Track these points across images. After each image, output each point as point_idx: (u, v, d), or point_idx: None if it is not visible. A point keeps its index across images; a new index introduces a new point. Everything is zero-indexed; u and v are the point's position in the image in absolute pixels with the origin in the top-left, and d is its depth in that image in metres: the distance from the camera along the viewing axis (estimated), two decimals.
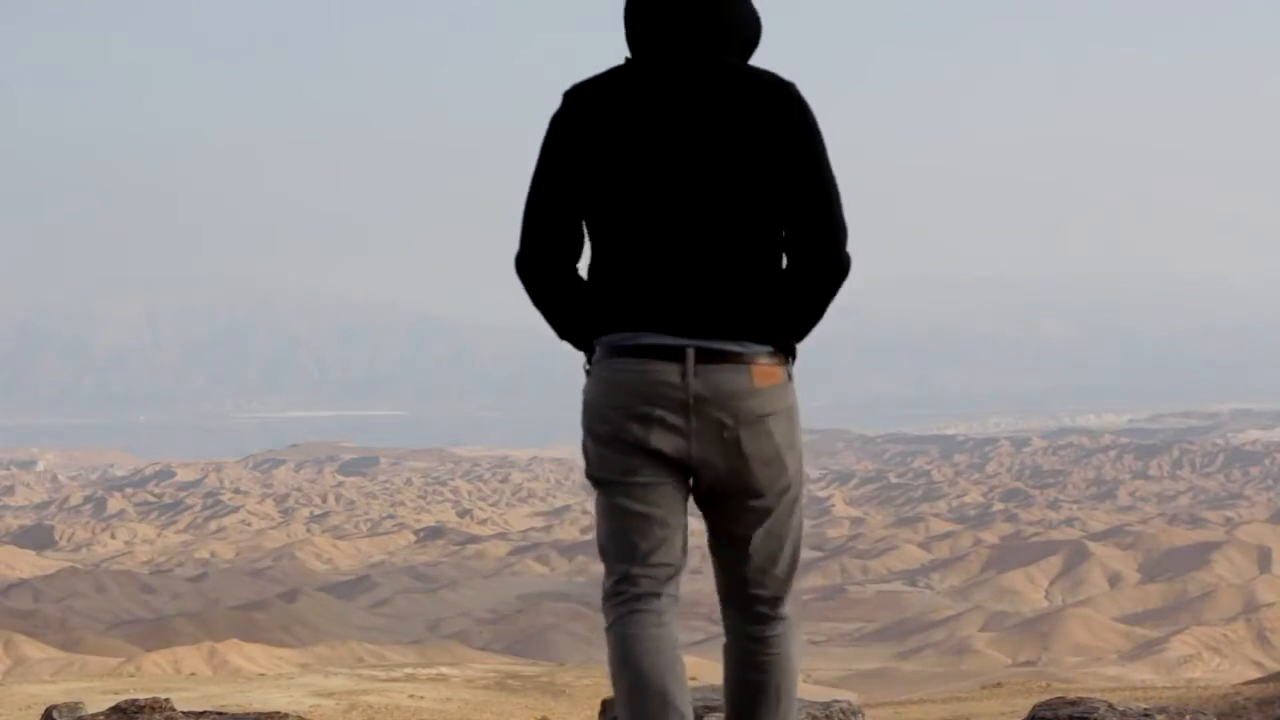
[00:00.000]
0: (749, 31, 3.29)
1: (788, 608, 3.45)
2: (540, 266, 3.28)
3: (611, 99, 3.22)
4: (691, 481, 3.29)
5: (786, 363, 3.31)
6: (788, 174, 3.18)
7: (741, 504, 3.29)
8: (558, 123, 3.25)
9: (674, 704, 3.21)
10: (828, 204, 3.21)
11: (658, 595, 3.27)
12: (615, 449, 3.23)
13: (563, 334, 3.39)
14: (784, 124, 3.19)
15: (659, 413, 3.18)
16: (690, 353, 3.17)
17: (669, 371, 3.17)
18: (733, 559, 3.36)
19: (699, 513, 3.42)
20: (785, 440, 3.28)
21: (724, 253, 3.18)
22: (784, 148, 3.19)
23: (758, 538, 3.34)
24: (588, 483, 3.34)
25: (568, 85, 3.27)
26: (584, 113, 3.22)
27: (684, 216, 3.17)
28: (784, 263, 3.27)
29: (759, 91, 3.21)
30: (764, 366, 3.24)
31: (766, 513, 3.31)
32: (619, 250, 3.22)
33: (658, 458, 3.21)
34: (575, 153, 3.22)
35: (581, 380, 3.37)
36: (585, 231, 3.29)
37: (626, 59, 3.30)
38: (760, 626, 3.41)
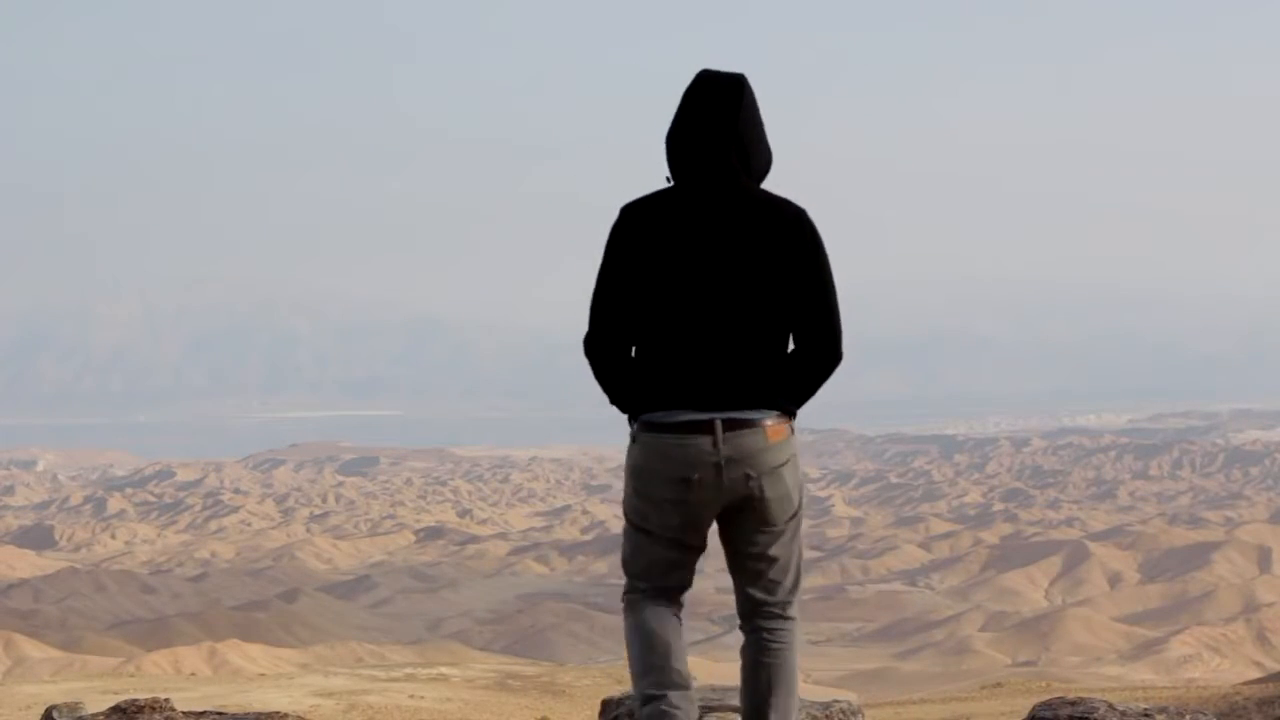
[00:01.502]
0: (765, 164, 4.29)
1: (794, 610, 4.41)
2: (604, 349, 4.26)
3: (658, 217, 4.20)
4: (716, 522, 4.31)
5: (789, 422, 4.31)
6: (798, 286, 4.19)
7: (760, 532, 4.30)
8: (616, 233, 4.24)
9: (677, 656, 4.28)
10: (829, 313, 4.24)
11: (673, 600, 4.34)
12: (659, 507, 4.24)
13: (616, 403, 4.34)
14: (797, 246, 4.18)
15: (697, 475, 4.18)
16: (719, 423, 4.17)
17: (704, 441, 4.17)
18: (752, 576, 4.34)
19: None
20: (793, 481, 4.31)
21: (743, 345, 4.18)
22: (796, 265, 4.18)
23: (771, 557, 4.32)
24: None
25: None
26: (636, 227, 4.20)
27: (713, 316, 4.16)
28: (788, 347, 4.29)
29: (778, 218, 4.19)
30: (773, 426, 4.24)
31: (778, 536, 4.31)
32: (662, 340, 4.19)
33: (695, 510, 4.22)
34: (629, 259, 4.20)
35: (626, 437, 4.36)
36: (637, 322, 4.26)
37: (667, 178, 4.29)
38: (773, 623, 4.37)
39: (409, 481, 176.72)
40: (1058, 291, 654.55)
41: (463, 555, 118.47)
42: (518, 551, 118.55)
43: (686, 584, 4.34)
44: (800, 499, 4.36)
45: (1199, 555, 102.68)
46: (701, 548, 4.32)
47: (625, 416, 4.35)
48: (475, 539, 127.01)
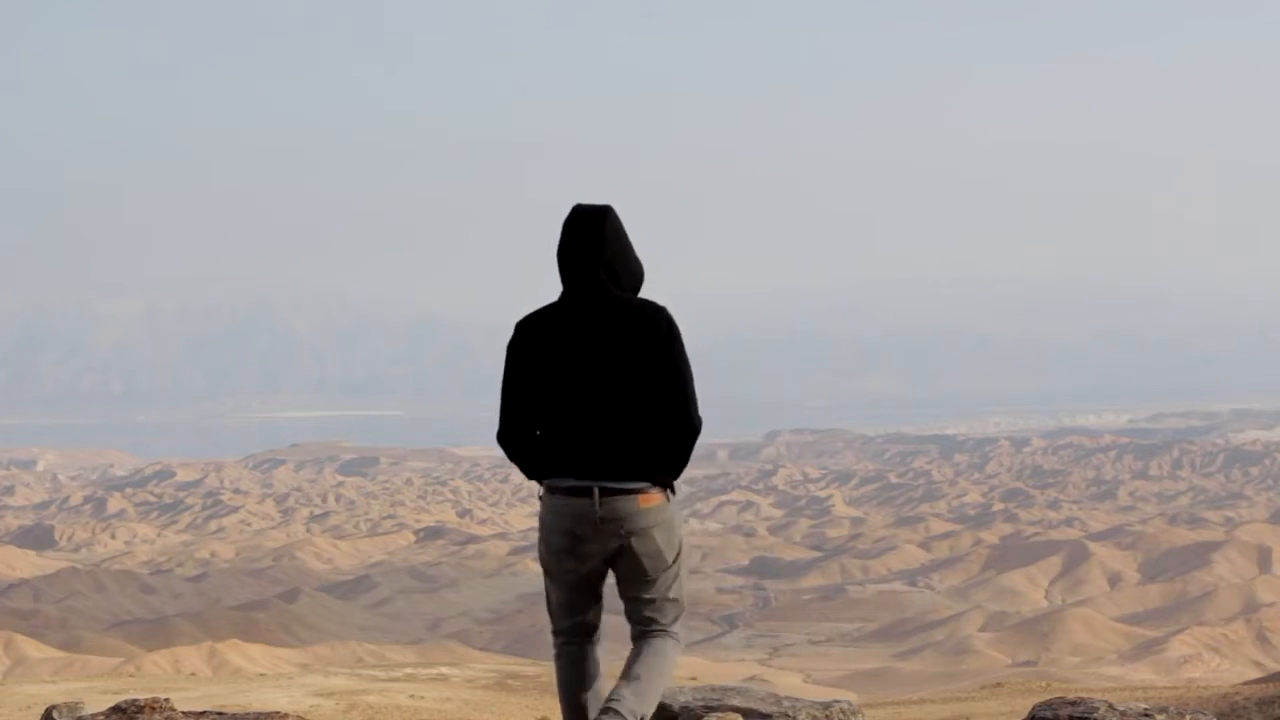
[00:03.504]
0: (634, 276, 5.39)
1: (675, 629, 5.47)
2: (511, 438, 5.42)
3: (544, 327, 5.32)
4: (607, 568, 5.40)
5: (665, 490, 5.31)
6: (657, 372, 5.23)
7: (637, 581, 5.38)
8: (513, 344, 5.37)
9: (584, 712, 5.43)
10: (682, 390, 5.24)
11: (587, 639, 5.49)
12: (556, 554, 5.38)
13: (527, 474, 5.47)
14: (654, 339, 5.23)
15: (580, 530, 5.29)
16: (596, 490, 5.25)
17: (585, 504, 5.27)
18: (635, 608, 5.44)
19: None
20: (664, 540, 5.33)
21: (618, 425, 5.24)
22: (654, 355, 5.23)
23: (648, 599, 5.41)
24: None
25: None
26: (528, 337, 5.34)
27: (591, 403, 5.25)
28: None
29: (640, 318, 5.26)
30: (646, 495, 5.26)
31: (652, 584, 5.39)
32: (555, 425, 5.32)
33: (583, 558, 5.34)
34: (524, 364, 5.34)
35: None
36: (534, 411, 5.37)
37: (561, 293, 5.38)
38: (648, 628, 5.44)
39: (409, 481, 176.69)
40: (1058, 291, 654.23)
41: (463, 555, 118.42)
42: (518, 551, 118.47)
43: (594, 624, 5.49)
44: (675, 555, 5.37)
45: (1199, 555, 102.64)
46: (595, 594, 5.45)
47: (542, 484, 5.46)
48: (475, 539, 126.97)
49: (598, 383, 5.24)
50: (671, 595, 5.41)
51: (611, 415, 5.24)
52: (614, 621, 5.37)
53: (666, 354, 5.23)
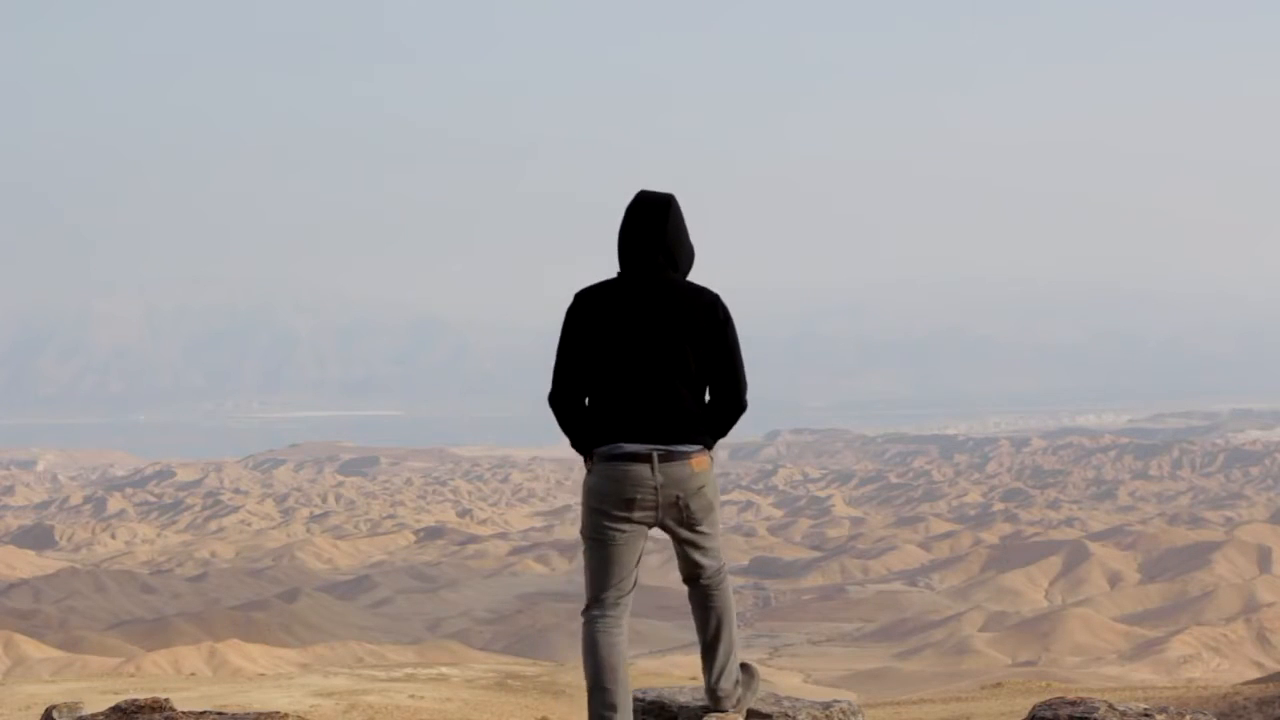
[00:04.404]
0: (688, 261, 5.80)
1: (724, 570, 5.92)
2: (564, 402, 5.74)
3: (602, 301, 5.67)
4: (660, 528, 5.78)
5: (709, 453, 5.75)
6: (710, 354, 5.66)
7: (691, 531, 5.78)
8: (571, 313, 5.71)
9: (623, 680, 5.65)
10: (734, 373, 5.69)
11: (617, 605, 5.74)
12: (606, 519, 5.68)
13: (575, 443, 5.77)
14: (709, 323, 5.64)
15: (640, 495, 5.64)
16: (655, 455, 5.63)
17: (643, 469, 5.63)
18: (688, 556, 5.85)
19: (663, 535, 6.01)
20: (712, 494, 5.77)
21: (669, 395, 5.64)
22: (708, 338, 5.65)
23: (702, 546, 5.83)
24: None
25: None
26: (586, 308, 5.68)
27: (646, 374, 5.63)
28: (705, 398, 5.76)
29: (696, 302, 5.66)
30: (696, 458, 5.68)
31: (703, 532, 5.80)
32: (608, 392, 5.68)
33: (634, 523, 5.68)
34: (581, 334, 5.67)
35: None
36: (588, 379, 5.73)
37: (619, 273, 5.75)
38: (708, 583, 5.90)
39: (409, 481, 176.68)
40: (1058, 291, 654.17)
41: (463, 555, 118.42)
42: (518, 551, 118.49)
43: (629, 590, 5.76)
44: (717, 504, 5.83)
45: (1199, 555, 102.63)
46: (637, 557, 5.76)
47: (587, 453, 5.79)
48: (475, 539, 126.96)
49: (653, 355, 5.62)
50: (719, 537, 5.88)
51: (665, 386, 5.63)
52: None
53: (720, 337, 5.66)
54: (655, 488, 5.62)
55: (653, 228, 5.68)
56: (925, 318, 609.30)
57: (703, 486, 5.69)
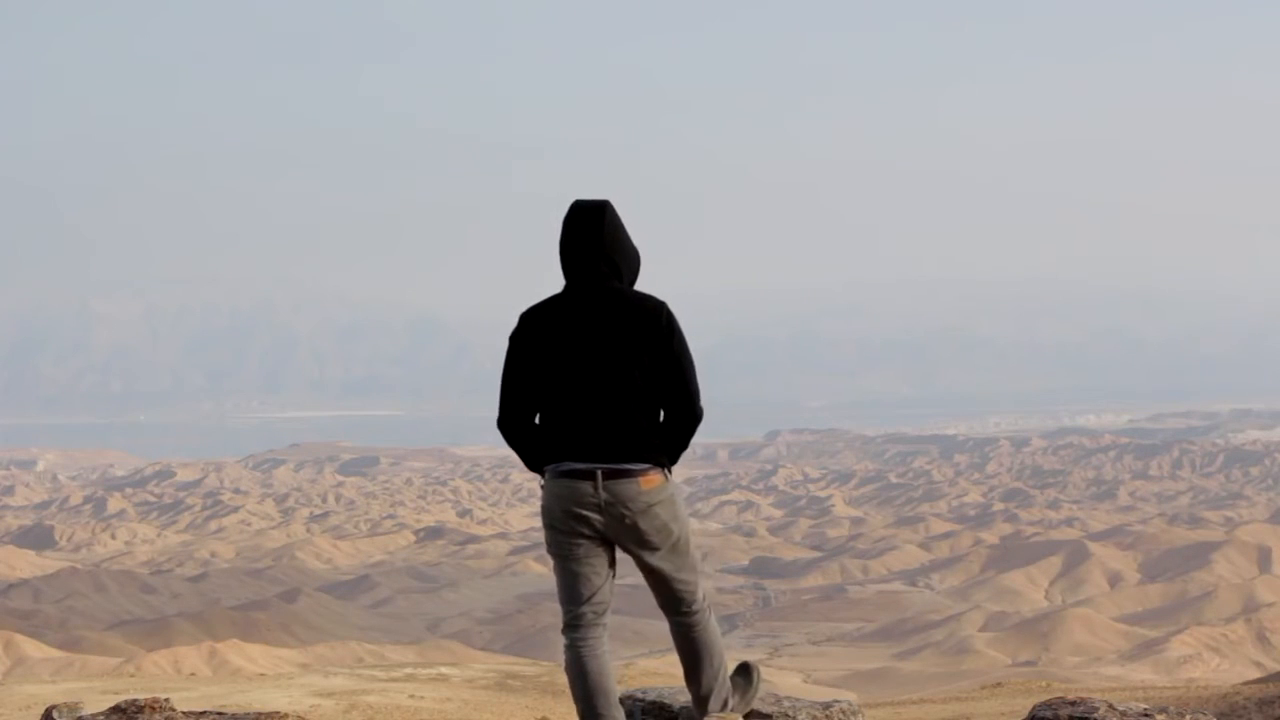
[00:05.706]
0: (633, 268, 5.61)
1: (700, 604, 5.70)
2: (511, 425, 5.62)
3: (548, 316, 5.51)
4: (613, 547, 5.59)
5: (663, 471, 5.54)
6: (659, 365, 5.48)
7: (649, 554, 5.57)
8: (516, 334, 5.56)
9: (614, 701, 5.54)
10: (684, 384, 5.50)
11: (596, 625, 5.59)
12: (561, 535, 5.55)
13: (527, 464, 5.65)
14: (655, 333, 5.46)
15: (585, 512, 5.49)
16: (599, 472, 5.46)
17: (587, 486, 5.47)
18: (654, 583, 5.67)
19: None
20: (668, 514, 5.54)
21: (617, 411, 5.45)
22: (656, 348, 5.47)
23: (662, 572, 5.61)
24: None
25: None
26: (531, 328, 5.54)
27: (593, 390, 5.46)
28: (659, 413, 5.55)
29: (641, 311, 5.48)
30: (647, 476, 5.48)
31: (659, 555, 5.57)
32: (556, 412, 5.52)
33: (588, 538, 5.52)
34: (527, 354, 5.53)
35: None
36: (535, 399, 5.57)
37: (564, 286, 5.57)
38: (684, 618, 5.71)
39: (409, 481, 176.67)
40: (1058, 291, 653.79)
41: (463, 555, 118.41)
42: (518, 551, 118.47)
43: (605, 602, 5.60)
44: (680, 529, 5.58)
45: (1199, 555, 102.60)
46: (607, 567, 5.59)
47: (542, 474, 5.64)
48: (475, 539, 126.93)
49: (599, 370, 5.46)
50: (689, 567, 5.63)
51: (612, 402, 5.46)
52: (616, 620, 5.43)
53: (666, 346, 5.47)
54: (599, 505, 5.45)
55: (589, 237, 5.52)
56: (925, 318, 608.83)
57: (653, 505, 5.48)
